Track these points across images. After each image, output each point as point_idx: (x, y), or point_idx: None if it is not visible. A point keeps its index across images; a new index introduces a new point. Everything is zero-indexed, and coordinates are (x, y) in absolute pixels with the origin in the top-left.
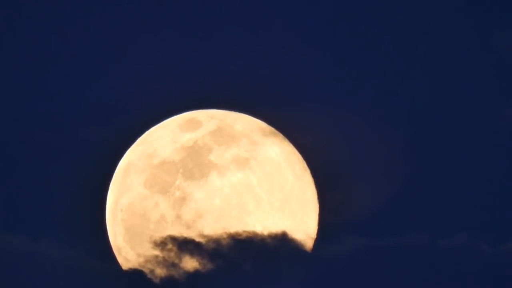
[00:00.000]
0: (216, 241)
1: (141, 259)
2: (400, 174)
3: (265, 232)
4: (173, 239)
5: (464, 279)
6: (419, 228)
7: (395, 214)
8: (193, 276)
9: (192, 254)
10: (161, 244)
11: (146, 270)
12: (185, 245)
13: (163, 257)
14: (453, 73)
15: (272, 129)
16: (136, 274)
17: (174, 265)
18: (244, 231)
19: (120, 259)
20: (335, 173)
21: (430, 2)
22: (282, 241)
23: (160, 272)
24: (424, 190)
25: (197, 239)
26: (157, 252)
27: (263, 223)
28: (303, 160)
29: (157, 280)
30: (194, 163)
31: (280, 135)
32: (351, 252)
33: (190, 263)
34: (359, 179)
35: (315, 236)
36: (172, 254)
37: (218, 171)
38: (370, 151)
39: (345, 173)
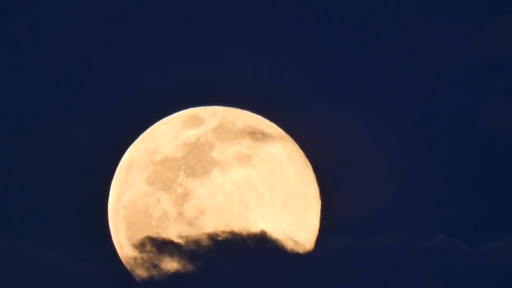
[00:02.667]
0: (196, 242)
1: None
2: (387, 176)
3: (261, 231)
4: (152, 239)
5: (443, 279)
6: (397, 229)
7: (374, 215)
8: (174, 276)
9: (171, 255)
10: (140, 245)
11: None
12: (164, 246)
13: (142, 258)
14: (429, 73)
15: (274, 125)
16: (126, 274)
17: (154, 266)
18: (223, 231)
19: (122, 255)
20: (337, 170)
21: (406, 3)
22: (263, 241)
23: (141, 273)
24: (403, 191)
25: (176, 240)
26: (136, 253)
27: (265, 220)
28: (305, 157)
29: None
30: (196, 160)
31: (282, 133)
32: (331, 252)
33: (170, 264)
34: (354, 181)
35: (317, 234)
36: (151, 255)
37: (220, 168)
38: (366, 151)
39: (345, 171)
